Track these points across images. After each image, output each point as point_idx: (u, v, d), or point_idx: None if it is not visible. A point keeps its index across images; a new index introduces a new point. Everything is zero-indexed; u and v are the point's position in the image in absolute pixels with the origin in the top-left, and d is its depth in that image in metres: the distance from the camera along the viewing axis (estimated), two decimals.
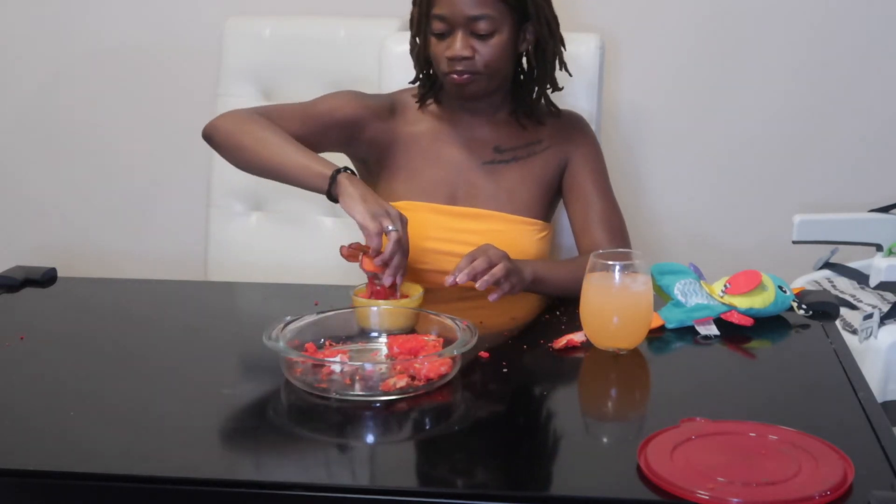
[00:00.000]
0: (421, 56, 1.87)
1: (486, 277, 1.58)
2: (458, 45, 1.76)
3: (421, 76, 1.90)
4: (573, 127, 1.92)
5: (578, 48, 2.13)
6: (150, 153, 2.88)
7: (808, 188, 2.67)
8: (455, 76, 1.78)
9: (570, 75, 1.92)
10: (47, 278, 1.83)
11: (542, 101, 1.90)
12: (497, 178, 1.87)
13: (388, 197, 1.86)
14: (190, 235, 2.55)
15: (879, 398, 1.90)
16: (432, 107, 1.91)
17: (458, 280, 1.56)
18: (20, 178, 2.94)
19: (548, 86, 1.89)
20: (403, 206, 1.83)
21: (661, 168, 2.73)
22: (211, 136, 1.80)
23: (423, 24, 1.81)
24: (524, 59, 1.88)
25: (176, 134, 2.83)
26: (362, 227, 1.59)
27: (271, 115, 1.80)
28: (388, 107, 1.90)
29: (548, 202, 1.91)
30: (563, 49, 1.88)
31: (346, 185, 1.63)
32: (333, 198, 1.65)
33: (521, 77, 1.90)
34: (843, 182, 2.66)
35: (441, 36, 1.78)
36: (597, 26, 2.33)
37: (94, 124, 2.87)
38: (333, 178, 1.64)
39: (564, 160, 1.90)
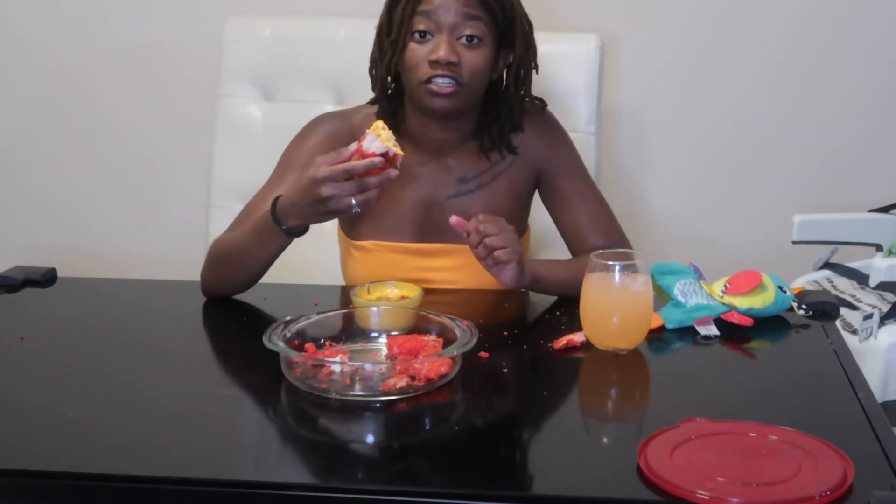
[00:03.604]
0: (391, 66, 1.72)
1: (489, 241, 1.58)
2: (445, 48, 1.65)
3: (383, 97, 1.77)
4: (540, 133, 1.82)
5: (578, 48, 2.13)
6: (150, 153, 2.88)
7: (808, 188, 2.67)
8: (434, 87, 1.67)
9: (545, 105, 1.84)
10: (47, 278, 1.83)
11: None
12: (465, 210, 1.73)
13: (355, 235, 1.82)
14: (190, 235, 2.54)
15: (879, 398, 1.90)
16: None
17: (467, 228, 1.59)
18: (20, 178, 2.94)
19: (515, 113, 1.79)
20: (369, 245, 1.79)
21: (660, 168, 2.73)
22: (211, 294, 1.75)
23: (405, 26, 1.68)
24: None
25: (176, 134, 2.83)
26: (322, 201, 1.53)
27: (238, 222, 1.76)
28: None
29: (521, 213, 1.85)
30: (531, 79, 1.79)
31: (284, 213, 1.59)
32: (293, 231, 1.61)
33: (485, 111, 1.79)
34: (843, 182, 2.66)
35: (423, 38, 1.67)
36: (597, 26, 2.33)
37: (95, 124, 2.87)
38: (276, 217, 1.60)
39: (536, 169, 1.82)
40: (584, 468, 1.18)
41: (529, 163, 1.82)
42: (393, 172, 1.53)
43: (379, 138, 1.51)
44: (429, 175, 1.80)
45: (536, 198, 1.89)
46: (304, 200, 1.55)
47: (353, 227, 1.84)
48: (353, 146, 1.52)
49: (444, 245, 1.79)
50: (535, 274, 1.68)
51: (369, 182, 1.51)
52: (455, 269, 1.79)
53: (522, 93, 1.78)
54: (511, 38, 1.73)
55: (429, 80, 1.67)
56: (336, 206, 1.52)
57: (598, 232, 1.81)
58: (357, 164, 1.50)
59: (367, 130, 1.52)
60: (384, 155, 1.51)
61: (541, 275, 1.69)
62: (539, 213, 1.92)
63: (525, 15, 1.77)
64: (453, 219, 1.63)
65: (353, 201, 1.52)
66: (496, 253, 1.60)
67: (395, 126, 1.76)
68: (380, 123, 1.53)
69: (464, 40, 1.68)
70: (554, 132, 1.85)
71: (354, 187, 1.51)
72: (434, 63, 1.66)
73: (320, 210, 1.54)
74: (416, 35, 1.68)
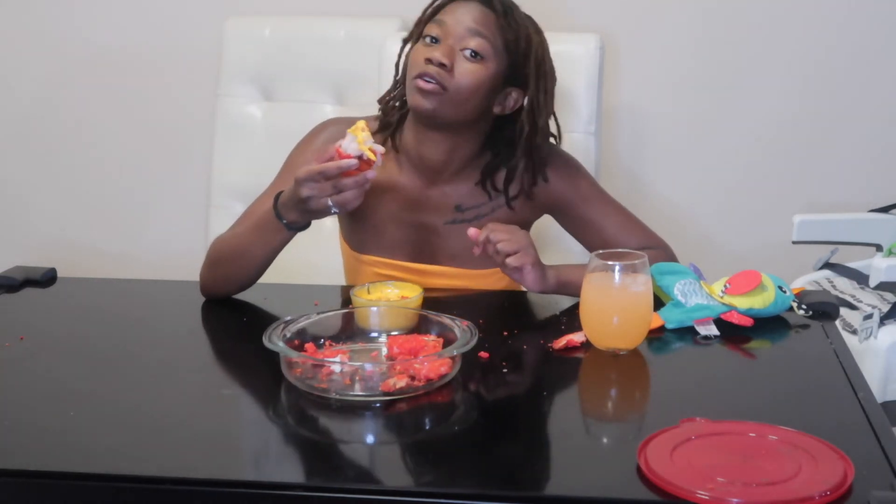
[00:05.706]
0: (399, 96, 1.77)
1: (500, 247, 1.60)
2: (441, 50, 1.66)
3: (393, 94, 1.78)
4: (551, 174, 1.78)
5: (578, 48, 2.13)
6: (150, 153, 2.88)
7: (808, 188, 2.67)
8: (420, 82, 1.65)
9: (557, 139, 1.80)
10: (47, 278, 1.83)
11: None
12: (460, 237, 1.72)
13: (357, 248, 1.83)
14: (190, 235, 2.55)
15: (879, 398, 1.90)
16: (391, 155, 1.76)
17: (479, 239, 1.61)
18: (20, 179, 2.94)
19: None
20: (370, 260, 1.80)
21: (660, 168, 2.73)
22: (210, 294, 1.74)
23: (419, 30, 1.72)
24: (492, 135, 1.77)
25: (176, 134, 2.83)
26: (311, 199, 1.54)
27: (241, 221, 1.77)
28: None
29: None
30: (557, 134, 1.80)
31: (284, 207, 1.61)
32: (293, 225, 1.62)
33: (491, 152, 1.77)
34: (843, 182, 2.66)
35: (431, 42, 1.68)
36: (597, 26, 2.33)
37: (95, 124, 2.87)
38: (278, 213, 1.62)
39: (547, 206, 1.81)
40: (584, 468, 1.18)
41: (538, 202, 1.80)
42: (370, 174, 1.53)
43: (356, 140, 1.51)
44: (426, 200, 1.79)
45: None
46: (291, 201, 1.58)
47: (356, 239, 1.85)
48: (337, 144, 1.53)
49: (439, 267, 1.80)
50: (559, 278, 1.68)
51: (346, 184, 1.52)
52: (449, 290, 1.79)
53: (538, 142, 1.74)
54: (523, 78, 1.72)
55: (419, 75, 1.67)
56: (315, 206, 1.55)
57: (629, 237, 1.80)
58: (329, 165, 1.51)
59: (348, 130, 1.52)
60: (361, 157, 1.51)
61: (567, 279, 1.67)
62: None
63: (549, 62, 1.74)
64: (471, 231, 1.64)
65: (329, 202, 1.53)
66: (507, 259, 1.62)
67: (394, 146, 1.76)
68: (360, 123, 1.53)
69: (467, 52, 1.67)
70: (562, 168, 1.81)
71: (330, 188, 1.53)
72: (427, 61, 1.66)
73: (303, 209, 1.57)
74: (427, 39, 1.70)
